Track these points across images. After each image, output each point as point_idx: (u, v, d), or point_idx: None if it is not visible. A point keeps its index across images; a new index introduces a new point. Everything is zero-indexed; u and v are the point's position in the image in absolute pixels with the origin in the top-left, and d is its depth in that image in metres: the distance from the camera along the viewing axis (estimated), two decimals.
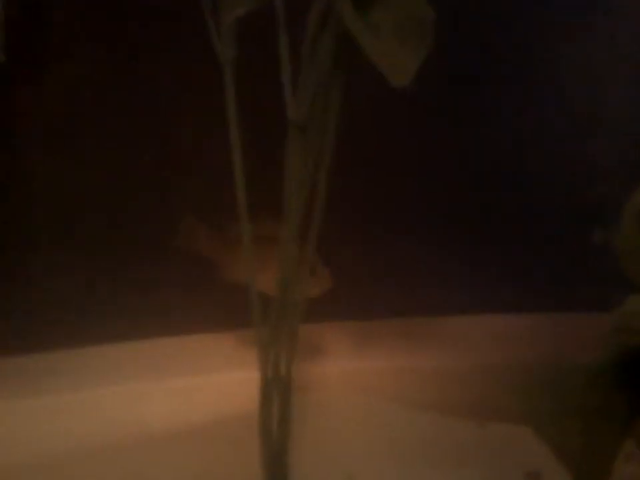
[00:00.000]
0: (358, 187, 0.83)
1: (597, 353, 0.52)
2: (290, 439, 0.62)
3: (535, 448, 0.53)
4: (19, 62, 0.66)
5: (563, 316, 0.81)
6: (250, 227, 0.58)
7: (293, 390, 0.61)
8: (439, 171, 0.87)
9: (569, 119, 0.86)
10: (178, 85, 0.80)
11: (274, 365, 0.60)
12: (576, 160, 0.87)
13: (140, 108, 0.81)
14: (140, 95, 0.80)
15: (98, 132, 0.81)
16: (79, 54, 0.80)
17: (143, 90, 0.80)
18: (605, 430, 0.52)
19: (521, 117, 0.86)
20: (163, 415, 0.71)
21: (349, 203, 0.80)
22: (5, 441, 0.66)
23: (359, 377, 0.76)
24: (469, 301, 0.83)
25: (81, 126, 0.81)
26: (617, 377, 0.50)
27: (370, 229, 0.86)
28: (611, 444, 0.52)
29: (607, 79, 0.86)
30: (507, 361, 0.72)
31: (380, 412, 0.73)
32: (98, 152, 0.82)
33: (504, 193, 0.88)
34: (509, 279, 0.85)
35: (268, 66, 0.52)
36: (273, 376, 0.60)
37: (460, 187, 0.87)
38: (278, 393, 0.61)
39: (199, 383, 0.74)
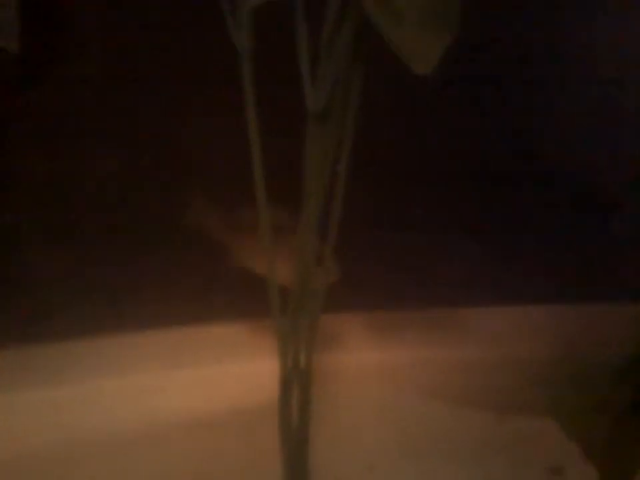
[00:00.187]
0: (380, 175, 0.82)
1: (624, 346, 0.51)
2: (309, 430, 0.62)
3: (558, 442, 0.53)
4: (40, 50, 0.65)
5: (590, 308, 0.80)
6: (269, 218, 0.57)
7: (313, 380, 0.61)
8: (463, 159, 0.86)
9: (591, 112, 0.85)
10: (195, 73, 0.80)
11: (294, 355, 0.60)
12: (597, 151, 0.86)
13: (156, 97, 0.80)
14: (155, 82, 0.80)
15: (113, 116, 0.81)
16: (97, 40, 0.79)
17: (158, 78, 0.80)
18: (632, 425, 0.51)
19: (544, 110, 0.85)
20: (181, 405, 0.71)
21: (372, 191, 0.79)
22: (16, 433, 0.66)
23: (380, 369, 0.75)
24: (492, 293, 0.82)
25: (98, 111, 0.81)
26: None
27: (393, 218, 0.85)
28: (638, 439, 0.51)
29: (626, 75, 0.85)
30: (531, 354, 0.71)
31: (400, 404, 0.73)
32: (109, 137, 0.82)
33: (526, 185, 0.87)
34: (533, 271, 0.84)
35: (287, 56, 0.52)
36: (293, 366, 0.60)
37: (485, 178, 0.86)
38: (298, 383, 0.60)
39: (217, 374, 0.74)
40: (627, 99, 0.86)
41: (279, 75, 0.61)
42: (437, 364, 0.75)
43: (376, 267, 0.81)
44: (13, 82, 0.76)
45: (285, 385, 0.60)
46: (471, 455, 0.67)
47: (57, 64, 0.78)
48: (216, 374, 0.74)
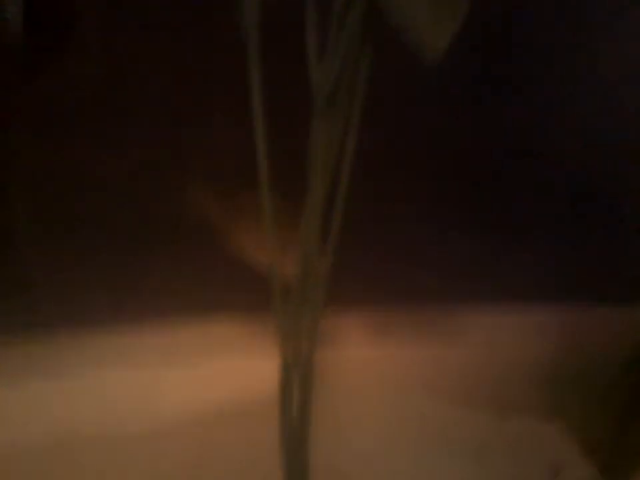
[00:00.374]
0: (378, 173, 0.82)
1: (625, 347, 0.51)
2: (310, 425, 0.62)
3: (559, 441, 0.53)
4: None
5: (591, 309, 0.80)
6: (272, 211, 0.57)
7: (313, 376, 0.61)
8: (465, 156, 0.86)
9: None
10: (198, 57, 0.79)
11: (295, 351, 0.59)
12: (608, 153, 0.85)
13: (156, 91, 0.80)
14: (159, 68, 0.80)
15: (113, 112, 0.81)
16: (100, 29, 0.79)
17: (161, 63, 0.80)
18: (633, 425, 0.51)
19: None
20: (180, 400, 0.71)
21: (371, 189, 0.79)
22: (12, 427, 0.66)
23: (380, 366, 0.75)
24: (493, 292, 0.82)
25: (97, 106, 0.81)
26: None
27: (394, 215, 0.85)
28: (638, 439, 0.51)
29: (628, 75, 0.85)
30: (532, 354, 0.71)
31: (400, 401, 0.73)
32: (108, 131, 0.81)
33: (533, 184, 0.86)
34: (534, 270, 0.84)
35: (295, 41, 0.51)
36: (294, 362, 0.60)
37: (489, 176, 0.85)
38: (298, 379, 0.60)
39: (217, 370, 0.73)
40: (630, 99, 0.86)
41: (287, 64, 0.61)
42: (438, 362, 0.75)
43: (377, 265, 0.81)
44: (13, 78, 0.76)
45: (285, 380, 0.60)
46: (471, 452, 0.67)
47: (57, 61, 0.78)
48: (215, 370, 0.74)
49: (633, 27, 0.84)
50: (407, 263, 0.84)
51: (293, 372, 0.60)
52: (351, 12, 0.47)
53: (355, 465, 0.66)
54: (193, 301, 0.79)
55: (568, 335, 0.77)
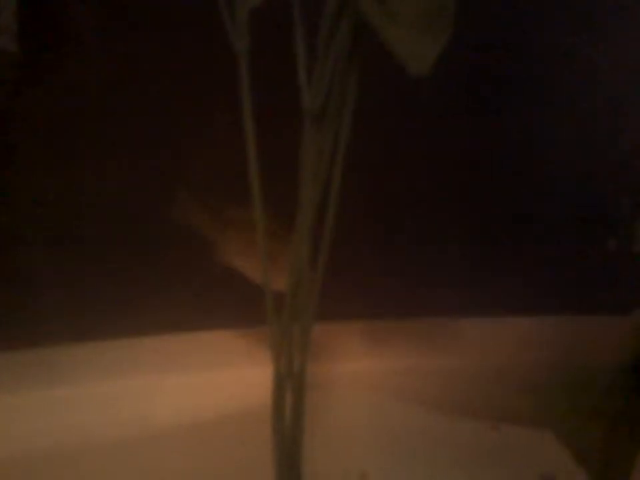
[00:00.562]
0: (370, 184, 0.82)
1: (617, 356, 0.51)
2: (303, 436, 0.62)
3: (551, 450, 0.53)
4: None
5: (582, 319, 0.80)
6: (264, 223, 0.57)
7: (306, 387, 0.61)
8: (455, 170, 0.86)
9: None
10: (189, 72, 0.80)
11: (287, 362, 0.59)
12: (598, 166, 0.86)
13: (155, 102, 0.80)
14: (152, 83, 0.80)
15: (112, 120, 0.81)
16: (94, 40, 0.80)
17: (155, 78, 0.80)
18: (625, 433, 0.51)
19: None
20: (175, 410, 0.71)
21: (363, 200, 0.79)
22: (13, 434, 0.66)
23: (372, 377, 0.75)
24: (486, 302, 0.82)
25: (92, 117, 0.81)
26: (638, 380, 0.50)
27: (385, 228, 0.85)
28: (630, 448, 0.51)
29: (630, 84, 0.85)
30: (525, 363, 0.71)
31: (393, 412, 0.73)
32: (103, 142, 0.82)
33: (522, 196, 0.87)
34: (527, 282, 0.84)
35: (283, 56, 0.52)
36: (286, 373, 0.60)
37: (477, 188, 0.86)
38: (291, 390, 0.60)
39: (211, 379, 0.74)
40: (630, 99, 0.86)
41: (275, 76, 0.61)
42: (431, 372, 0.75)
43: (368, 277, 0.81)
44: (12, 84, 0.76)
45: (278, 391, 0.60)
46: (463, 462, 0.67)
47: (55, 66, 0.79)
48: (209, 379, 0.74)
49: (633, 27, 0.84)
50: (400, 275, 0.85)
51: (286, 382, 0.60)
52: (340, 27, 0.47)
53: (347, 475, 0.66)
54: (188, 315, 0.79)
55: (560, 344, 0.77)
